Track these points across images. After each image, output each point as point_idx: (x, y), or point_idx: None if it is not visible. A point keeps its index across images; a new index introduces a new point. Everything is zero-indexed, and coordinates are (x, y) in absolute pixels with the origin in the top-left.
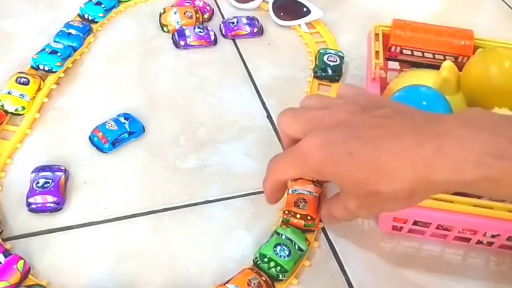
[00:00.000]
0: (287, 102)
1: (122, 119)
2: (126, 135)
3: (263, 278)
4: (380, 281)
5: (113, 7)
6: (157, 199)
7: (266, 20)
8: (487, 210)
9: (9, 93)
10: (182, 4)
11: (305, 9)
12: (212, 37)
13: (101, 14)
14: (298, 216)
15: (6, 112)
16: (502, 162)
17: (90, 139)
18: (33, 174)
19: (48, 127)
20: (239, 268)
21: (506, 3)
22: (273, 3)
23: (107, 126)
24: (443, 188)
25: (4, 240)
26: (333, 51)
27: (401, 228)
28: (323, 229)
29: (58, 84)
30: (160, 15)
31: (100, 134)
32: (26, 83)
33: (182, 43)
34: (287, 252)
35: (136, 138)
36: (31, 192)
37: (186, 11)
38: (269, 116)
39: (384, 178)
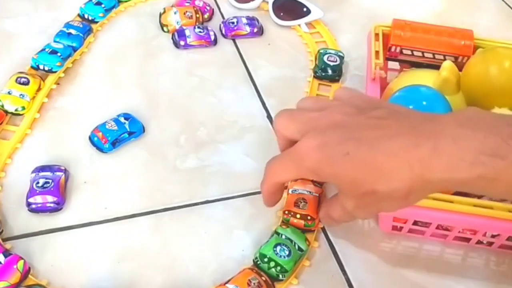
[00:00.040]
0: (287, 102)
1: (122, 119)
2: (126, 135)
3: (263, 278)
4: (380, 281)
5: (113, 7)
6: (157, 199)
7: (266, 20)
8: (487, 210)
9: (9, 93)
10: (182, 4)
11: (305, 9)
12: (212, 37)
13: (101, 14)
14: (298, 216)
15: (6, 112)
16: (497, 161)
17: (90, 139)
18: (33, 174)
19: (48, 127)
20: (239, 268)
21: (506, 3)
22: (273, 3)
23: (107, 126)
24: (439, 187)
25: (4, 240)
26: (333, 51)
27: (401, 228)
28: (323, 229)
29: (58, 84)
30: (160, 15)
31: (100, 134)
32: (26, 83)
33: (182, 43)
34: (287, 252)
35: (136, 138)
36: (31, 192)
37: (186, 11)
38: (269, 116)
39: (381, 178)
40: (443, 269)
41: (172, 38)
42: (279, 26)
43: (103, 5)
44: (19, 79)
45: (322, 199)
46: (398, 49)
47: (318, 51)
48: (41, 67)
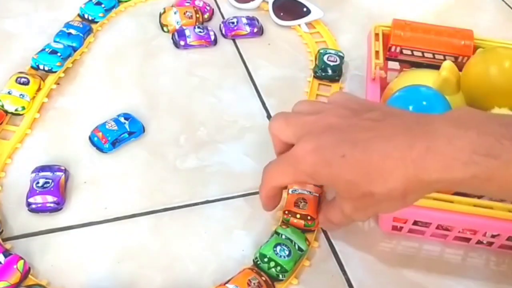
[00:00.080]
0: (287, 102)
1: (122, 119)
2: (126, 135)
3: (263, 278)
4: (380, 281)
5: (113, 7)
6: (157, 199)
7: (266, 20)
8: (487, 210)
9: (9, 93)
10: (182, 4)
11: (305, 9)
12: (212, 37)
13: (101, 14)
14: (298, 216)
15: (6, 112)
16: (490, 160)
17: (90, 139)
18: (33, 174)
19: (48, 127)
20: (239, 268)
21: (506, 3)
22: (273, 3)
23: (107, 126)
24: (434, 187)
25: (4, 240)
26: (333, 51)
27: (401, 228)
28: (323, 229)
29: (58, 84)
30: (160, 15)
31: (100, 134)
32: (26, 83)
33: (182, 43)
34: (287, 252)
35: (136, 138)
36: (31, 192)
37: (186, 11)
38: (269, 116)
39: (377, 179)
40: (443, 269)
41: (172, 38)
42: (279, 26)
43: (103, 5)
44: (19, 79)
45: (322, 199)
46: (398, 49)
47: (318, 51)
48: (41, 67)
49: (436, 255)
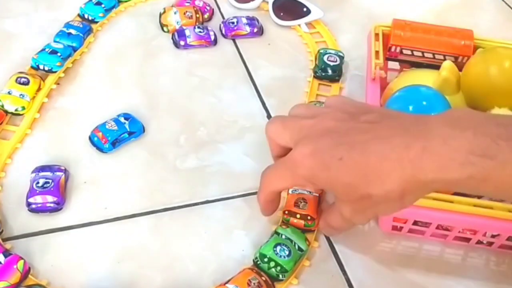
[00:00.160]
0: (287, 102)
1: (122, 119)
2: (126, 135)
3: (263, 278)
4: (380, 281)
5: (113, 7)
6: (157, 199)
7: (266, 20)
8: (487, 210)
9: (9, 93)
10: (182, 4)
11: (305, 9)
12: (212, 37)
13: (101, 14)
14: (298, 216)
15: (6, 112)
16: (486, 161)
17: (90, 139)
18: (33, 174)
19: (48, 127)
20: (239, 268)
21: (506, 3)
22: (273, 3)
23: (107, 126)
24: (431, 187)
25: (4, 240)
26: (333, 51)
27: (401, 228)
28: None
29: (58, 84)
30: (160, 15)
31: (100, 134)
32: (26, 83)
33: (182, 43)
34: (287, 252)
35: (136, 138)
36: (31, 192)
37: (186, 11)
38: (269, 116)
39: (374, 181)
40: (443, 269)
41: (172, 38)
42: (279, 26)
43: (103, 5)
44: (19, 79)
45: (322, 199)
46: (398, 49)
47: (318, 51)
48: (41, 67)
49: (436, 255)
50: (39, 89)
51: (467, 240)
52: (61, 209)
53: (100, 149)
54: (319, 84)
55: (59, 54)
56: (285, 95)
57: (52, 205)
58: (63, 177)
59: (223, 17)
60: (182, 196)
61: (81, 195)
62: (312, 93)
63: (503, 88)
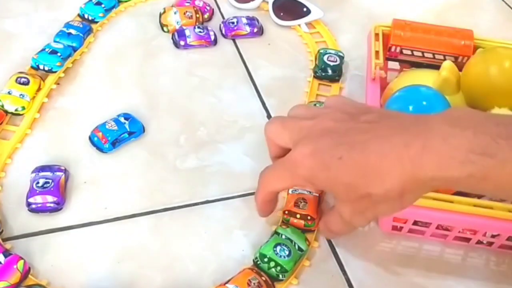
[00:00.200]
0: (287, 102)
1: (122, 119)
2: (126, 135)
3: (263, 278)
4: (380, 281)
5: (113, 7)
6: (157, 199)
7: (266, 20)
8: (487, 210)
9: (9, 93)
10: (182, 4)
11: (305, 9)
12: (212, 37)
13: (101, 14)
14: (298, 216)
15: (6, 112)
16: (486, 159)
17: (90, 139)
18: (33, 174)
19: (48, 127)
20: (239, 268)
21: (506, 3)
22: (273, 3)
23: (107, 126)
24: (431, 185)
25: (4, 240)
26: (333, 51)
27: (401, 228)
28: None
29: (58, 84)
30: (160, 15)
31: (100, 134)
32: (26, 83)
33: (182, 43)
34: (287, 252)
35: (136, 138)
36: (31, 192)
37: (186, 11)
38: (269, 116)
39: (374, 179)
40: (443, 269)
41: (172, 38)
42: (279, 26)
43: (103, 5)
44: (19, 79)
45: (322, 199)
46: (398, 49)
47: (318, 51)
48: (41, 67)
49: (436, 255)
50: (39, 89)
51: (467, 240)
52: (61, 209)
53: (100, 149)
54: (319, 84)
55: (59, 54)
56: (285, 95)
57: (52, 205)
58: (63, 177)
59: (223, 17)
60: (182, 196)
61: (81, 195)
62: (312, 93)
63: (503, 88)
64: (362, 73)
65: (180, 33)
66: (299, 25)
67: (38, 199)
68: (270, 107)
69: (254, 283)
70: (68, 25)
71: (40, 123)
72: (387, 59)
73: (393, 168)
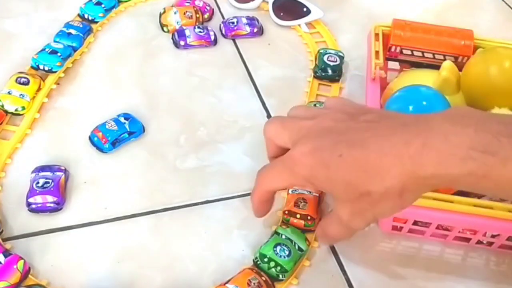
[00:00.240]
0: (287, 102)
1: (122, 119)
2: (126, 135)
3: (263, 278)
4: (380, 281)
5: (113, 7)
6: (157, 199)
7: (266, 20)
8: (487, 210)
9: (9, 93)
10: (182, 4)
11: (305, 9)
12: (212, 37)
13: (101, 14)
14: (298, 216)
15: (6, 112)
16: (487, 157)
17: (90, 139)
18: (33, 174)
19: (48, 127)
20: (239, 268)
21: (506, 3)
22: (273, 3)
23: (107, 126)
24: (431, 183)
25: (4, 240)
26: (333, 51)
27: (401, 228)
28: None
29: (58, 84)
30: (160, 15)
31: (100, 134)
32: (26, 83)
33: (182, 43)
34: (287, 252)
35: (136, 138)
36: (31, 192)
37: (186, 11)
38: (269, 116)
39: (374, 177)
40: (443, 269)
41: (172, 38)
42: (279, 26)
43: (103, 5)
44: (19, 79)
45: (322, 199)
46: (398, 49)
47: (318, 51)
48: (41, 67)
49: (436, 255)
50: (39, 89)
51: (467, 240)
52: (61, 209)
53: (100, 149)
54: (319, 84)
55: (59, 54)
56: (285, 95)
57: (52, 205)
58: (63, 177)
59: (223, 17)
60: (182, 196)
61: (81, 195)
62: (312, 93)
63: (503, 88)
64: (362, 73)
65: (180, 33)
66: (299, 25)
67: (38, 199)
68: (270, 107)
69: (254, 283)
70: (68, 25)
71: (40, 123)
72: (387, 59)
73: (393, 165)
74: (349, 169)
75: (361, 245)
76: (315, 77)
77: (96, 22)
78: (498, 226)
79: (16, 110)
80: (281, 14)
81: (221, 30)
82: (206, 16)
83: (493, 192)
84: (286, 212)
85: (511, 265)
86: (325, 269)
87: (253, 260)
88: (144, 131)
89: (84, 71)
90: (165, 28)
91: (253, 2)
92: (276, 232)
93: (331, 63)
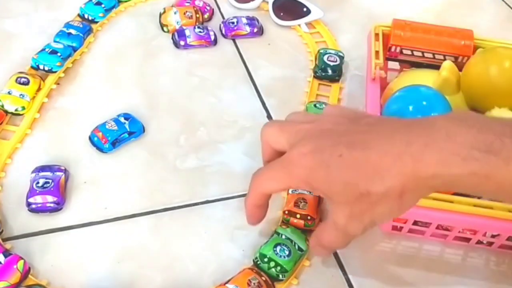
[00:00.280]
0: (287, 102)
1: (122, 119)
2: (126, 135)
3: (263, 278)
4: (380, 281)
5: (113, 7)
6: (157, 199)
7: (266, 20)
8: (487, 210)
9: (9, 93)
10: (182, 4)
11: (305, 9)
12: (212, 37)
13: (101, 14)
14: (298, 216)
15: (6, 112)
16: (490, 157)
17: (90, 139)
18: (33, 174)
19: (48, 127)
20: (239, 268)
21: (506, 3)
22: (273, 3)
23: (107, 126)
24: (432, 184)
25: (4, 240)
26: (333, 51)
27: (401, 228)
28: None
29: (58, 84)
30: (160, 15)
31: (100, 134)
32: (26, 83)
33: (182, 43)
34: (287, 252)
35: (136, 138)
36: (31, 192)
37: (186, 11)
38: (269, 116)
39: (374, 177)
40: (443, 269)
41: (172, 38)
42: (279, 26)
43: (103, 5)
44: (19, 79)
45: (322, 199)
46: (398, 49)
47: (318, 51)
48: (41, 67)
49: (436, 255)
50: (39, 89)
51: (467, 240)
52: (61, 209)
53: (100, 149)
54: (319, 84)
55: (59, 54)
56: (285, 95)
57: (52, 205)
58: (63, 177)
59: (223, 17)
60: (182, 196)
61: (81, 195)
62: (312, 93)
63: (503, 88)
64: (362, 73)
65: (180, 33)
66: (299, 25)
67: (38, 199)
68: (270, 107)
69: (254, 283)
70: (68, 25)
71: (40, 123)
72: (387, 59)
73: (393, 164)
74: (348, 169)
75: (361, 245)
76: (315, 77)
77: (96, 22)
78: (498, 226)
79: (16, 110)
80: (281, 14)
81: (221, 30)
82: (206, 16)
83: (494, 195)
84: (286, 212)
85: (511, 265)
86: (325, 269)
87: (253, 260)
88: (144, 131)
89: (84, 71)
90: (165, 28)
91: (253, 2)
92: (276, 232)
93: (331, 63)
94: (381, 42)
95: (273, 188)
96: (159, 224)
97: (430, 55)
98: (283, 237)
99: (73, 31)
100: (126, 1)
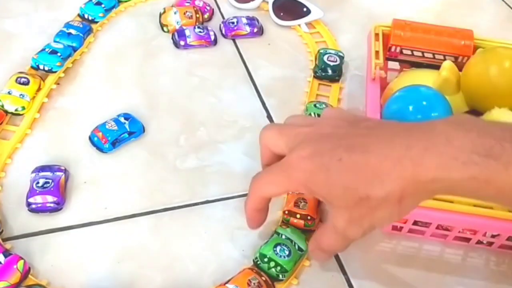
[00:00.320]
0: (287, 102)
1: (122, 119)
2: (126, 135)
3: (263, 278)
4: (380, 281)
5: (113, 7)
6: (157, 199)
7: (266, 20)
8: (487, 210)
9: (9, 93)
10: (182, 4)
11: (305, 9)
12: (212, 37)
13: (101, 14)
14: (298, 216)
15: (6, 112)
16: (490, 161)
17: (90, 139)
18: (33, 174)
19: (48, 127)
20: (239, 268)
21: (506, 3)
22: (273, 3)
23: (107, 126)
24: (431, 188)
25: (4, 240)
26: (333, 51)
27: (401, 228)
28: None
29: (58, 84)
30: (160, 15)
31: (100, 134)
32: (26, 83)
33: (182, 43)
34: (287, 252)
35: (136, 138)
36: (31, 192)
37: (186, 11)
38: (269, 116)
39: (374, 181)
40: (443, 269)
41: (172, 38)
42: (279, 26)
43: (103, 5)
44: (19, 79)
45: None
46: (398, 49)
47: (318, 51)
48: (41, 67)
49: (436, 255)
50: (39, 89)
51: (467, 240)
52: (61, 209)
53: (100, 149)
54: (319, 84)
55: (59, 54)
56: (285, 95)
57: (52, 205)
58: (63, 177)
59: (223, 17)
60: (182, 196)
61: (81, 195)
62: (312, 93)
63: (503, 88)
64: (362, 73)
65: (180, 33)
66: (299, 25)
67: (38, 199)
68: (270, 107)
69: (254, 283)
70: (68, 25)
71: (40, 123)
72: (387, 59)
73: (393, 168)
74: (348, 173)
75: (361, 245)
76: (315, 77)
77: (96, 22)
78: (498, 226)
79: (16, 110)
80: (281, 14)
81: (221, 30)
82: (206, 16)
83: (494, 199)
84: (286, 212)
85: (511, 265)
86: (325, 269)
87: (253, 260)
88: (144, 131)
89: (84, 71)
90: (165, 28)
91: (253, 2)
92: (276, 232)
93: (331, 63)
94: (381, 42)
95: (273, 192)
96: (159, 224)
97: (430, 55)
98: (283, 237)
99: (73, 31)
100: (126, 1)
